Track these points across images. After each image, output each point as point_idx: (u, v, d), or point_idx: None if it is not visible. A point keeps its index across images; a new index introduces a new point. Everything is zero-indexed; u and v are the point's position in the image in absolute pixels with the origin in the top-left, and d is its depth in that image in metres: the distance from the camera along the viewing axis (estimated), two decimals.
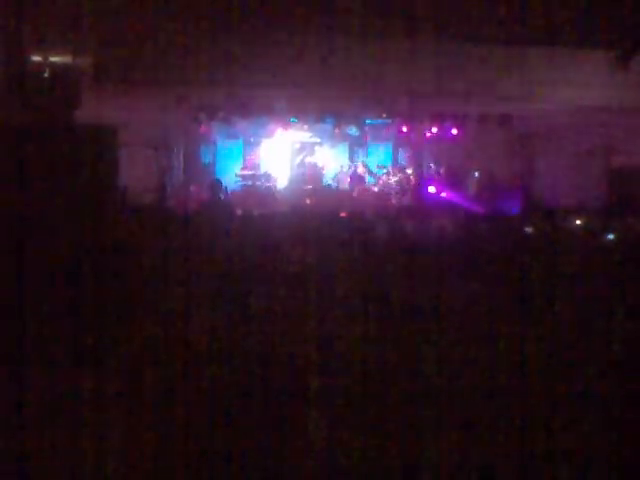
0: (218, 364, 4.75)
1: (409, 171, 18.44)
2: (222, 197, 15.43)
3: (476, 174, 17.96)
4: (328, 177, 18.53)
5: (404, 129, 17.96)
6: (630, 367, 4.79)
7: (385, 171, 18.43)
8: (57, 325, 4.77)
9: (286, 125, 17.69)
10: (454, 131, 17.34)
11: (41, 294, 5.01)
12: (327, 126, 17.55)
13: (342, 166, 18.63)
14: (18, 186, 5.68)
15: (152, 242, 6.62)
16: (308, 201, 16.87)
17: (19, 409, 4.09)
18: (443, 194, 17.46)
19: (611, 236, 9.02)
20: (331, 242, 7.95)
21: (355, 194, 17.62)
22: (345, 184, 18.17)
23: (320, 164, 18.57)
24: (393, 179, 18.21)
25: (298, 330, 5.14)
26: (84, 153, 6.07)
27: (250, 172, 18.17)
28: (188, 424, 4.07)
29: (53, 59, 9.48)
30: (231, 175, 17.90)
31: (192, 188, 16.76)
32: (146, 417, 4.13)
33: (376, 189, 17.99)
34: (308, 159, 18.45)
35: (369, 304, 5.84)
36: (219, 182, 15.79)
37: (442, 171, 18.30)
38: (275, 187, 17.92)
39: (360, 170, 18.22)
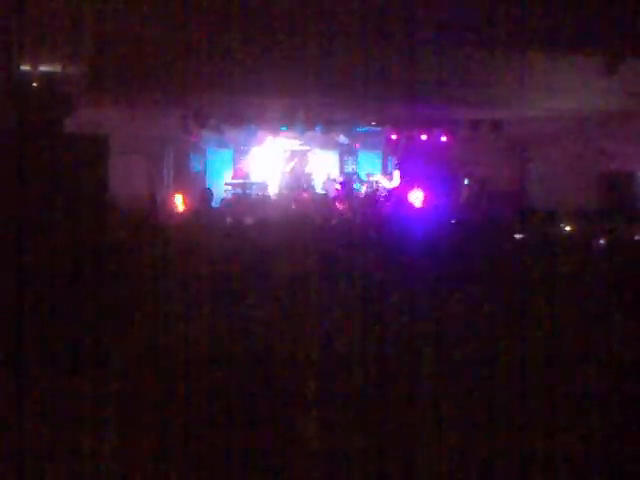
0: (214, 368, 4.74)
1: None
2: (212, 205, 15.49)
3: (466, 181, 17.99)
4: (317, 185, 18.57)
5: (393, 137, 17.99)
6: (627, 370, 4.79)
7: (374, 179, 18.48)
8: (54, 328, 4.76)
9: (276, 133, 17.70)
10: (443, 138, 17.37)
11: (30, 297, 5.00)
12: (317, 134, 17.56)
13: (329, 174, 18.66)
14: (4, 192, 5.68)
15: (142, 248, 6.60)
16: (294, 206, 16.88)
17: (19, 410, 4.07)
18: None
19: (602, 240, 9.04)
20: (321, 248, 7.94)
21: (345, 202, 17.61)
22: (332, 191, 18.19)
23: (310, 172, 18.63)
24: (382, 187, 18.28)
25: (293, 332, 5.13)
26: (74, 161, 6.07)
27: (240, 181, 18.16)
28: (188, 425, 4.06)
29: (44, 67, 9.47)
30: (221, 184, 17.90)
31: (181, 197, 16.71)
32: (145, 418, 4.11)
33: (364, 196, 18.03)
34: (302, 167, 18.53)
35: (362, 308, 5.85)
36: (209, 191, 15.82)
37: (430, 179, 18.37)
38: (266, 195, 17.93)
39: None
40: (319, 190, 18.38)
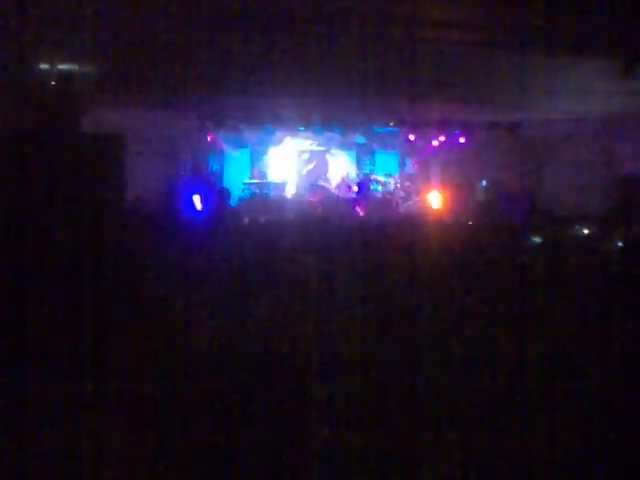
0: (225, 368, 4.77)
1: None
2: (230, 205, 15.56)
3: (483, 183, 17.94)
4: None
5: (411, 137, 17.97)
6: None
7: (392, 180, 18.50)
8: (58, 328, 4.81)
9: (294, 133, 17.75)
10: (462, 139, 17.32)
11: (44, 297, 5.06)
12: (334, 134, 17.59)
13: (344, 175, 18.70)
14: (24, 192, 5.73)
15: (157, 247, 6.66)
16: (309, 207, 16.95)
17: (19, 411, 4.11)
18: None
19: (619, 243, 9.02)
20: (335, 248, 7.98)
21: (362, 203, 17.62)
22: (347, 193, 18.20)
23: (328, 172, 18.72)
24: (400, 187, 18.32)
25: (299, 331, 5.16)
26: (91, 160, 6.13)
27: (257, 181, 18.25)
28: (189, 426, 4.09)
29: (61, 67, 9.54)
30: (239, 183, 17.98)
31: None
32: (146, 420, 4.15)
33: (381, 197, 18.07)
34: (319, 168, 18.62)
35: (373, 308, 5.87)
36: (227, 190, 15.89)
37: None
38: (284, 195, 18.00)
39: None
40: (334, 191, 18.44)
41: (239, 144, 18.06)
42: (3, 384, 4.33)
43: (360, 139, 18.17)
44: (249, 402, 4.29)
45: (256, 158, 18.63)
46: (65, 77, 9.36)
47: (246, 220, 13.49)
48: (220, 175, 18.25)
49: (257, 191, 17.90)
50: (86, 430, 3.98)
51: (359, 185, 18.11)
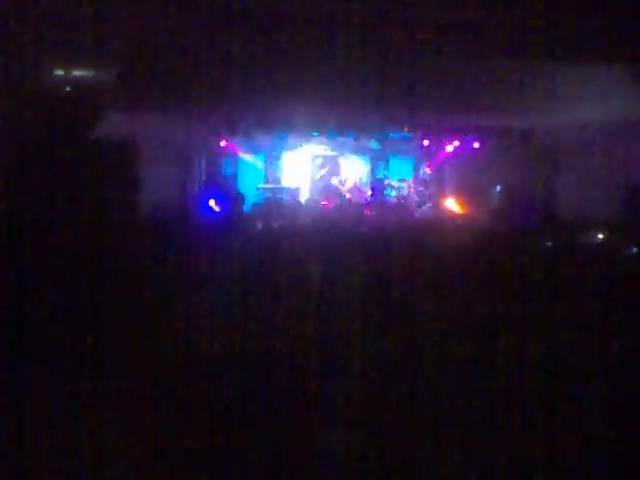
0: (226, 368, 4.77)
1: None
2: (243, 210, 15.57)
3: (498, 188, 17.86)
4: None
5: (425, 142, 17.93)
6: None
7: (406, 185, 18.47)
8: (59, 327, 4.83)
9: (307, 139, 17.76)
10: (476, 145, 17.26)
11: (45, 297, 5.08)
12: (348, 139, 17.58)
13: (358, 180, 18.69)
14: (37, 198, 5.77)
15: (164, 248, 6.65)
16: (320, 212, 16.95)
17: (19, 411, 4.13)
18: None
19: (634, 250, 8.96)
20: (348, 252, 7.97)
21: (374, 208, 17.60)
22: (361, 198, 18.18)
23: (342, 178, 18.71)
24: (413, 192, 18.28)
25: (304, 332, 5.15)
26: (101, 167, 6.16)
27: (271, 186, 18.28)
28: (189, 426, 4.09)
29: (75, 73, 9.60)
30: (253, 188, 18.02)
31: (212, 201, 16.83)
32: (147, 420, 4.15)
33: (395, 202, 18.04)
34: (334, 180, 18.60)
35: (383, 313, 5.85)
36: (241, 195, 15.90)
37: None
38: (297, 201, 18.01)
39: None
40: (347, 195, 18.42)
41: (253, 149, 18.10)
42: (3, 384, 4.34)
43: (374, 144, 18.15)
44: (249, 402, 4.28)
45: (270, 163, 18.67)
46: (79, 83, 9.42)
47: (260, 225, 13.52)
48: (234, 180, 18.30)
49: (271, 196, 17.93)
50: (86, 430, 3.99)
51: (373, 190, 18.10)
